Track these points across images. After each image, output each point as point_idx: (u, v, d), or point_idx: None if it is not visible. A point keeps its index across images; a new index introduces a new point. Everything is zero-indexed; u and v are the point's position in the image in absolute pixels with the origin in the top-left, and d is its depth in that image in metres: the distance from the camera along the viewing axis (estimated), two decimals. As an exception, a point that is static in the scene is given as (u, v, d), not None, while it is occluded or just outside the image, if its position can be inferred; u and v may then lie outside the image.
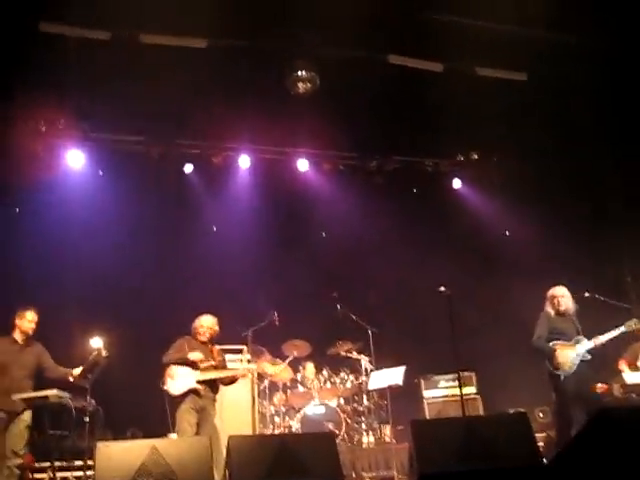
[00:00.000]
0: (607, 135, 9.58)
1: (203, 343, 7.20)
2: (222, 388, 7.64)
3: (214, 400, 7.08)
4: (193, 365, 6.95)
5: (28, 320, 7.03)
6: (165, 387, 6.90)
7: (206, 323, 7.28)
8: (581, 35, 8.44)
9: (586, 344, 7.04)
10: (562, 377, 7.00)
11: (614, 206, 10.15)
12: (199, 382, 6.88)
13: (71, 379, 7.00)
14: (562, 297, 7.28)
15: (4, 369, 6.82)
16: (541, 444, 8.07)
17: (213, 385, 7.07)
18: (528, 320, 7.59)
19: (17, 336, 7.03)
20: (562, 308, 7.27)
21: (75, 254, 8.93)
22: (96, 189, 9.39)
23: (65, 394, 6.77)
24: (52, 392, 6.66)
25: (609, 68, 8.76)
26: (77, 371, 7.01)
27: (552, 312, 7.31)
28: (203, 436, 5.84)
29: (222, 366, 7.24)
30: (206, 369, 6.97)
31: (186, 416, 6.76)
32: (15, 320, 7.05)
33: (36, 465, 7.25)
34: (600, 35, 8.36)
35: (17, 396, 6.60)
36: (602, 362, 7.62)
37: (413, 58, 8.84)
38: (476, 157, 10.85)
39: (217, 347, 7.37)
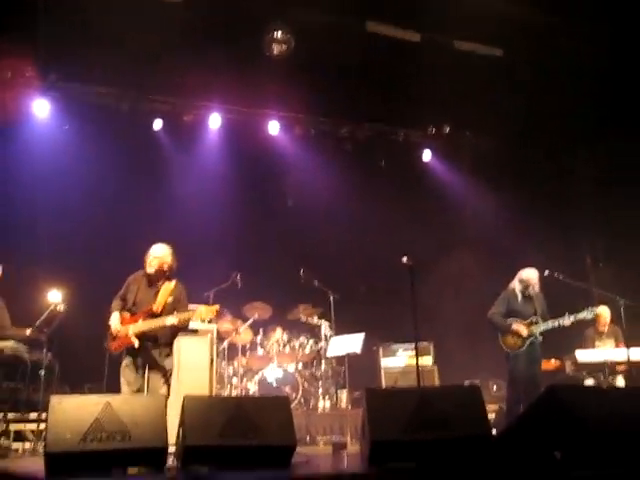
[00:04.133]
0: (580, 117, 9.65)
1: (151, 282, 6.18)
2: (180, 347, 7.62)
3: (161, 352, 6.04)
4: (131, 312, 6.06)
5: None
6: (106, 345, 6.10)
7: (154, 252, 6.22)
8: (560, 13, 8.44)
9: (540, 326, 7.19)
10: (511, 354, 7.20)
11: (581, 189, 10.30)
12: (137, 336, 5.91)
13: (27, 332, 6.95)
14: (535, 284, 7.37)
15: None
16: (493, 416, 8.24)
17: (157, 335, 6.02)
18: (487, 294, 7.70)
19: None
20: (531, 293, 7.37)
21: (36, 206, 8.80)
22: (62, 140, 9.21)
23: (21, 346, 6.74)
24: (7, 344, 6.66)
25: (586, 48, 8.80)
26: (29, 330, 6.94)
27: (519, 294, 7.40)
28: (157, 394, 5.74)
29: (171, 309, 6.03)
30: (146, 319, 5.97)
31: (124, 373, 5.97)
32: None
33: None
34: (579, 14, 8.38)
35: (-32, 347, 6.57)
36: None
37: (391, 26, 8.77)
38: (448, 130, 10.86)
39: (171, 284, 6.19)
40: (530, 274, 7.41)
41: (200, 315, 6.07)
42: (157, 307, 6.03)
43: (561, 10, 8.30)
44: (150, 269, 6.16)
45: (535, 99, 9.42)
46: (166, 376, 6.06)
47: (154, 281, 6.19)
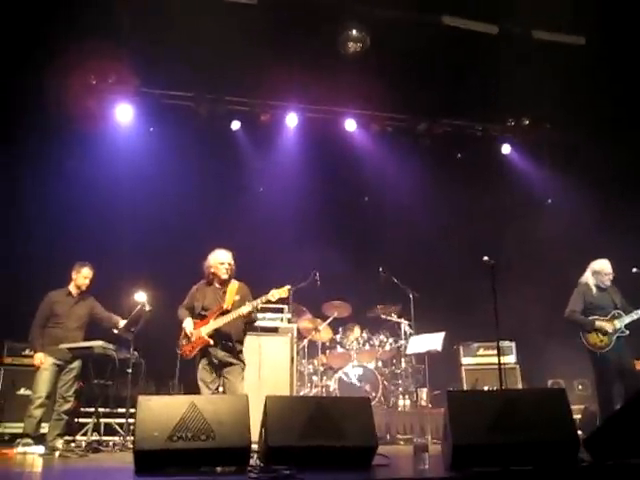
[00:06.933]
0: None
1: (219, 285, 6.46)
2: (261, 346, 7.75)
3: (235, 349, 6.29)
4: (201, 316, 6.35)
5: (83, 276, 7.23)
6: (179, 351, 6.37)
7: (226, 258, 6.45)
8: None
9: (624, 319, 6.91)
10: (598, 354, 6.91)
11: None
12: (210, 335, 6.20)
13: (116, 331, 7.22)
14: (609, 274, 7.13)
15: (59, 320, 7.07)
16: (579, 417, 8.02)
17: (230, 332, 6.27)
18: (570, 291, 7.46)
19: (72, 289, 7.25)
20: (607, 284, 7.12)
21: (120, 208, 9.10)
22: (144, 143, 9.53)
23: (110, 346, 7.02)
24: (97, 343, 6.92)
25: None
26: (122, 322, 7.23)
27: (593, 287, 7.16)
28: (241, 394, 5.85)
29: (240, 306, 6.26)
30: (218, 317, 6.25)
31: (201, 375, 6.24)
32: (72, 274, 7.26)
33: (81, 410, 7.57)
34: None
35: (63, 346, 6.88)
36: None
37: (467, 19, 8.63)
38: (527, 123, 10.61)
39: (236, 284, 6.48)
40: (603, 264, 7.18)
41: (272, 296, 6.30)
42: (227, 305, 6.31)
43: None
44: (225, 275, 6.43)
45: (620, 91, 9.06)
46: (243, 371, 6.33)
47: (221, 284, 6.47)
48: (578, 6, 8.15)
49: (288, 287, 6.40)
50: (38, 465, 5.68)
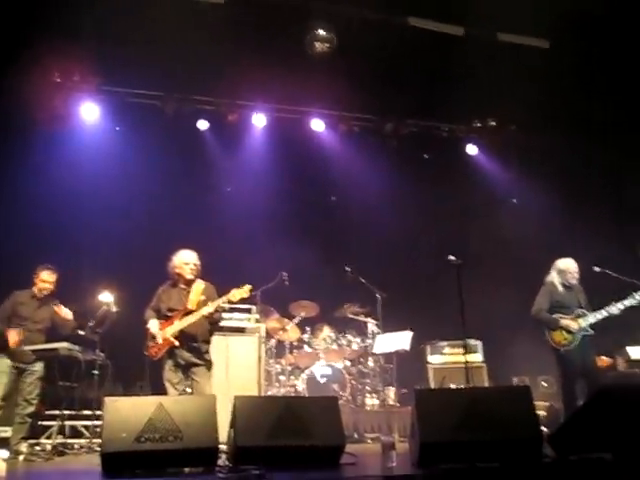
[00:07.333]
0: (629, 108, 9.40)
1: (184, 285, 6.44)
2: (228, 346, 7.73)
3: (200, 349, 6.29)
4: (166, 317, 6.33)
5: (41, 279, 7.10)
6: (147, 353, 6.34)
7: (191, 259, 6.45)
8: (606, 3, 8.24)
9: (589, 318, 7.02)
10: (562, 351, 7.00)
11: (631, 183, 10.02)
12: (175, 336, 6.17)
13: (81, 332, 7.14)
14: (573, 273, 7.23)
15: (22, 322, 6.97)
16: (543, 413, 8.14)
17: (195, 333, 6.26)
18: (535, 290, 7.57)
19: (36, 291, 7.14)
20: (572, 283, 7.22)
21: (86, 208, 8.98)
22: (110, 143, 9.43)
23: (75, 347, 6.95)
24: (62, 345, 6.83)
25: (634, 38, 8.58)
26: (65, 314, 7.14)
27: (559, 285, 7.25)
28: (209, 394, 5.83)
29: (203, 306, 6.24)
30: (182, 318, 6.23)
31: (167, 376, 6.22)
32: (34, 277, 7.15)
33: (46, 413, 7.46)
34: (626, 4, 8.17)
35: (28, 347, 6.78)
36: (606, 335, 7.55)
37: (433, 21, 8.70)
38: (493, 124, 10.74)
39: (202, 284, 6.46)
40: (568, 263, 7.28)
41: (233, 296, 6.26)
42: (191, 305, 6.30)
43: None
44: (190, 275, 6.43)
45: (584, 93, 9.22)
46: (210, 370, 6.34)
47: (186, 285, 6.44)
48: (541, 10, 8.27)
49: (249, 287, 6.36)
50: (2, 470, 5.59)
